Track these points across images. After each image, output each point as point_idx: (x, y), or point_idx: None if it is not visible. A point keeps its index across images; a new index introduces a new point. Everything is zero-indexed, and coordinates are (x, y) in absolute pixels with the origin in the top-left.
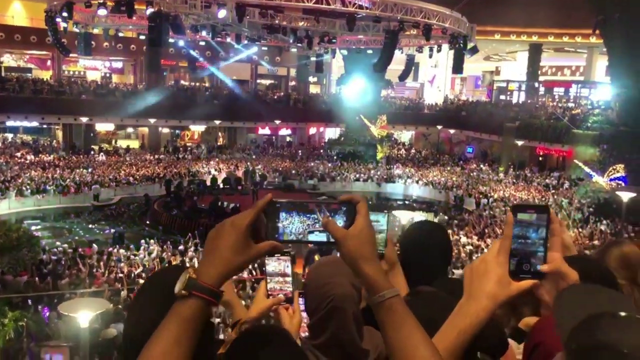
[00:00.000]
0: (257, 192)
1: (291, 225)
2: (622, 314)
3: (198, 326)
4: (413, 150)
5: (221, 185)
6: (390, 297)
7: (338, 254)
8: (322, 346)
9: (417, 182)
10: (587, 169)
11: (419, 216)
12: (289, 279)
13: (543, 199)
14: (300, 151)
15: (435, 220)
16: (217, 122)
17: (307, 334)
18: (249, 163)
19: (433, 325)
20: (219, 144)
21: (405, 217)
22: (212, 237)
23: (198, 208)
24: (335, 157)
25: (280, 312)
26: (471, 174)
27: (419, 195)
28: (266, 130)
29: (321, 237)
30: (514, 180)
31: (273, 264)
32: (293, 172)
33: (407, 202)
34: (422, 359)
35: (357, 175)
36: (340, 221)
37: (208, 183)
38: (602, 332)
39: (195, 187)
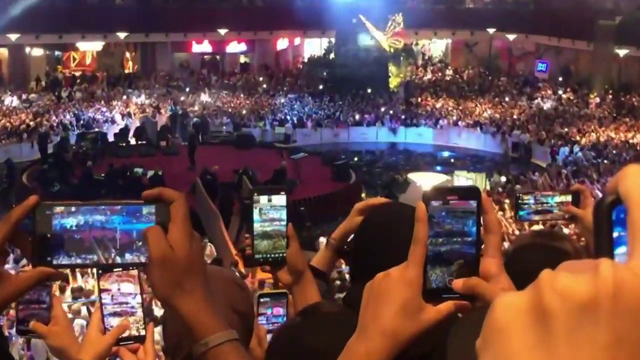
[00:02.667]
0: (194, 149)
1: (79, 236)
2: None
3: None
4: (449, 72)
5: (132, 141)
6: (216, 345)
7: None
8: None
9: (456, 123)
10: None
11: (460, 180)
12: (138, 299)
13: None
14: (262, 79)
15: (487, 184)
16: (123, 34)
17: None
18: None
19: None
20: (127, 71)
21: (434, 183)
22: None
23: (95, 179)
24: (321, 88)
25: (123, 358)
26: (544, 108)
27: (460, 145)
28: (205, 47)
29: (129, 257)
30: (614, 115)
31: (113, 285)
32: (246, 113)
33: (438, 157)
34: None
35: (358, 117)
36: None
37: (111, 138)
38: None
39: (89, 146)
